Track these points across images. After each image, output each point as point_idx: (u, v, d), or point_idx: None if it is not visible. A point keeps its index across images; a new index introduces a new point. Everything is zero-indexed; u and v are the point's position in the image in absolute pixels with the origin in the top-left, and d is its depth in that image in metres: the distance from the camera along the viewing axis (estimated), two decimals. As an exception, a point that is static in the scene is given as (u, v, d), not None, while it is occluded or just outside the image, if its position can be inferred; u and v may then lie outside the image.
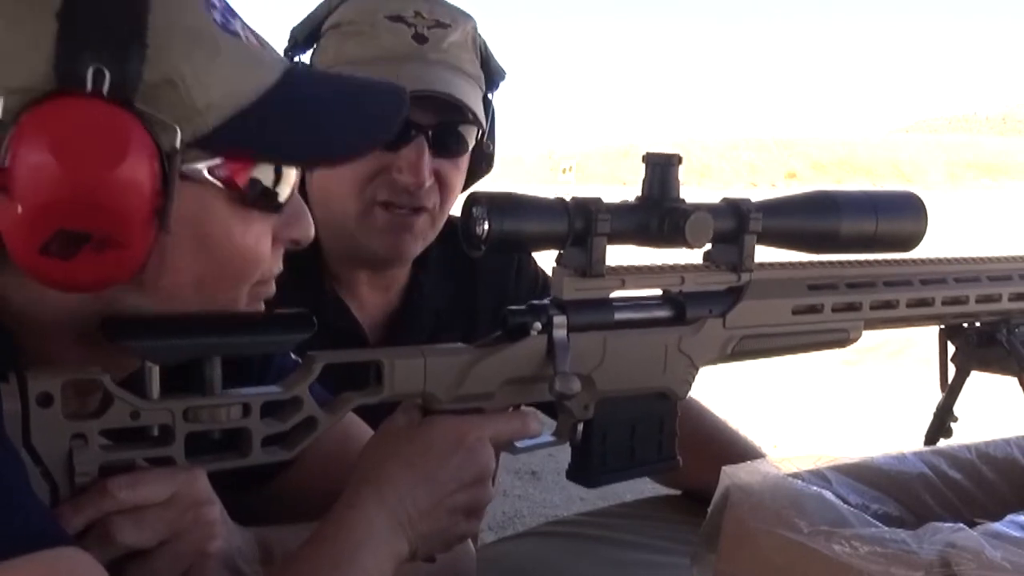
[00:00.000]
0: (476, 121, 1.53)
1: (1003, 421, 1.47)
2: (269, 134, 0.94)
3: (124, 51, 0.86)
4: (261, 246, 0.98)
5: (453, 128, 1.52)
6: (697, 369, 1.22)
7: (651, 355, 1.18)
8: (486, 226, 1.04)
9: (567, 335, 1.11)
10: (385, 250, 1.55)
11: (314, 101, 0.98)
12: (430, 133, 1.50)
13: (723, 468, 1.04)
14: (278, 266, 1.02)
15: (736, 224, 1.19)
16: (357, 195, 1.52)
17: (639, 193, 1.15)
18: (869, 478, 1.08)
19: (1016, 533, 0.85)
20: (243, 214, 0.96)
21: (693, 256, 1.20)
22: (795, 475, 1.03)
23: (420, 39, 1.50)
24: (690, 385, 1.22)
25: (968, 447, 1.11)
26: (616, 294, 1.15)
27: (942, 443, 1.25)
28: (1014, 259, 1.45)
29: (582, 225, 1.09)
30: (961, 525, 0.87)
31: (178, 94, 0.88)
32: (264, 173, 0.96)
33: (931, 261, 1.38)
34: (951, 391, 1.53)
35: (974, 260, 1.41)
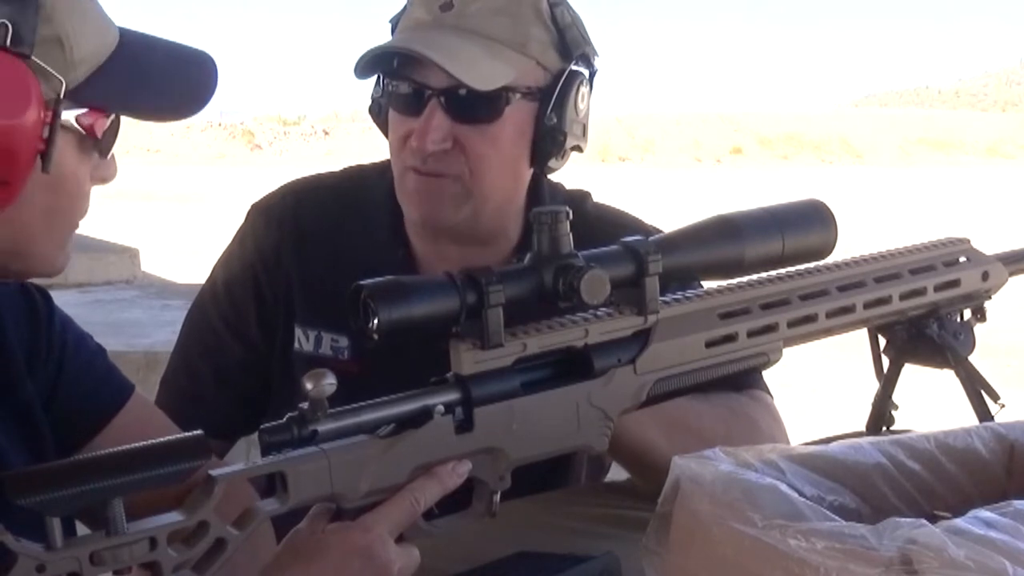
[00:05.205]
0: (502, 89, 1.49)
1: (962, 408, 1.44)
2: (120, 88, 1.08)
3: (24, 8, 0.97)
4: (88, 185, 1.12)
5: (464, 93, 1.48)
6: (613, 420, 1.20)
7: (562, 415, 1.16)
8: (375, 318, 1.05)
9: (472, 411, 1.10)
10: (414, 212, 1.57)
11: (147, 62, 1.12)
12: (441, 98, 1.49)
13: (674, 459, 1.00)
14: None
15: (635, 269, 1.17)
16: (396, 160, 1.57)
17: (531, 250, 1.15)
18: (824, 468, 1.04)
19: (980, 530, 0.82)
20: (85, 157, 1.10)
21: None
22: (748, 465, 1.00)
23: (447, 7, 1.51)
24: (608, 437, 1.20)
25: (927, 437, 1.08)
26: None
27: (900, 433, 1.22)
28: (935, 246, 1.42)
29: (474, 299, 1.08)
30: (922, 521, 0.84)
31: (63, 50, 1.01)
32: (108, 122, 1.09)
33: (848, 264, 1.35)
34: (887, 381, 1.50)
35: (892, 255, 1.38)
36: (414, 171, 1.53)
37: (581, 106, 1.57)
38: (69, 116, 1.05)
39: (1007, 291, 1.49)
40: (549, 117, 1.54)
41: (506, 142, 1.53)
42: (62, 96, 1.01)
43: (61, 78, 1.00)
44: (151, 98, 1.13)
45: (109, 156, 1.14)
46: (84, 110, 1.06)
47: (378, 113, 1.61)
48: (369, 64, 1.54)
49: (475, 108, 1.50)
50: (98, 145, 1.10)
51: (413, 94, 1.51)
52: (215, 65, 1.16)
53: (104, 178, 1.15)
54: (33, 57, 0.98)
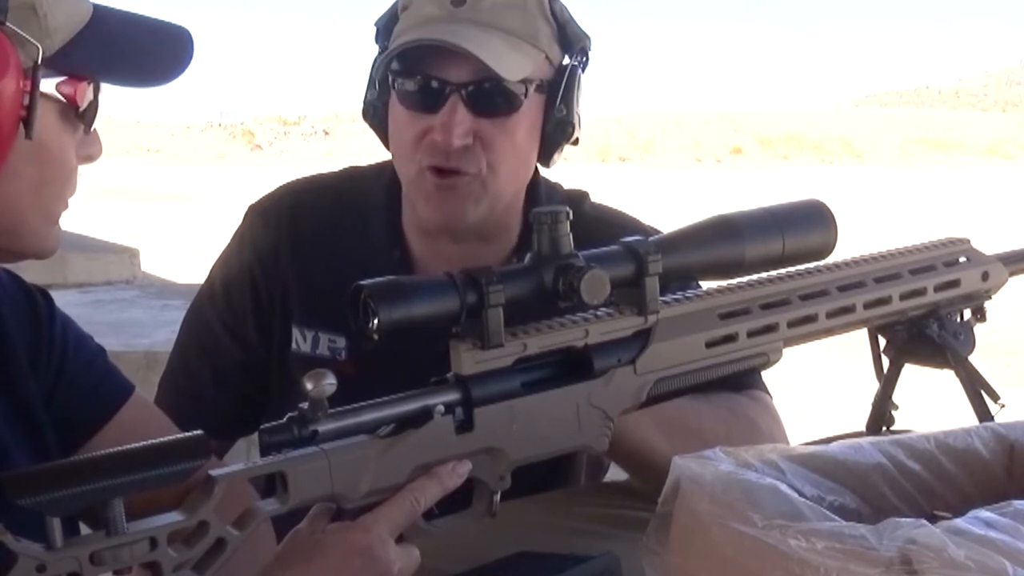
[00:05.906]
0: (522, 81, 1.50)
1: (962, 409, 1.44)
2: (98, 57, 1.10)
3: None
4: (75, 160, 1.13)
5: (488, 86, 1.48)
6: (613, 421, 1.20)
7: (563, 415, 1.16)
8: (375, 318, 1.05)
9: (472, 411, 1.10)
10: (435, 213, 1.55)
11: (121, 33, 1.13)
12: (464, 92, 1.48)
13: (674, 458, 1.00)
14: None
15: (635, 269, 1.17)
16: (409, 160, 1.54)
17: (532, 250, 1.14)
18: (824, 468, 1.04)
19: (980, 530, 0.81)
20: (68, 128, 1.11)
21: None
22: (748, 465, 1.00)
23: (458, 2, 1.50)
24: (608, 438, 1.20)
25: (927, 437, 1.08)
26: None
27: (900, 433, 1.22)
28: (935, 246, 1.41)
29: (474, 299, 1.08)
30: (922, 521, 0.84)
31: (37, 17, 1.02)
32: (90, 93, 1.10)
33: (848, 264, 1.34)
34: (887, 382, 1.49)
35: (892, 255, 1.37)
36: (434, 170, 1.51)
37: (582, 97, 1.58)
38: (49, 85, 1.06)
39: (1007, 291, 1.48)
40: (559, 109, 1.55)
41: (522, 135, 1.54)
42: (39, 63, 1.01)
43: (38, 44, 1.01)
44: (126, 66, 1.14)
45: (93, 132, 1.15)
46: (63, 78, 1.08)
47: (373, 116, 1.60)
48: (392, 62, 1.52)
49: (496, 101, 1.50)
50: (81, 116, 1.11)
51: (430, 89, 1.50)
52: (191, 37, 1.18)
53: (90, 156, 1.16)
54: (8, 23, 0.99)
